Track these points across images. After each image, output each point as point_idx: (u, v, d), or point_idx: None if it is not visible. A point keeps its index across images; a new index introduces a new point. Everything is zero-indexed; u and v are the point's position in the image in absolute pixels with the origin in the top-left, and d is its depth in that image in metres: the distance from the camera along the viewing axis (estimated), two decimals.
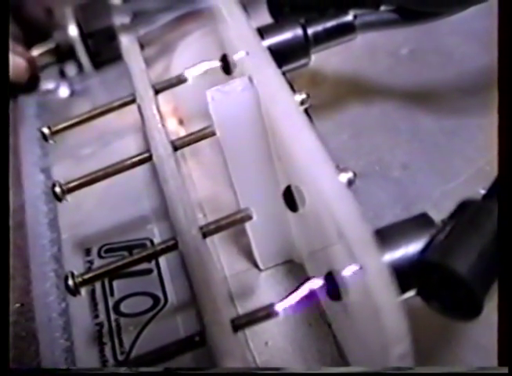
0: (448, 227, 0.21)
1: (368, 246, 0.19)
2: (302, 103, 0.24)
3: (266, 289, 0.29)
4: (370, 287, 0.18)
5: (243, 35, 0.26)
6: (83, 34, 0.40)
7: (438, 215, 0.22)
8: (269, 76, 0.24)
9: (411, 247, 0.20)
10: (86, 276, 0.25)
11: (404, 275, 0.20)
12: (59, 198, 0.28)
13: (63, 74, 0.42)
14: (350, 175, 0.22)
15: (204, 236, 0.24)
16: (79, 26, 0.40)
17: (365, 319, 0.20)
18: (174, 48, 0.37)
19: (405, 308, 0.18)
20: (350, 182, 0.22)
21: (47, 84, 0.41)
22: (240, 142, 0.26)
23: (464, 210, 0.21)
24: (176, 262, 0.30)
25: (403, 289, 0.20)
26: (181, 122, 0.37)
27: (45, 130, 0.30)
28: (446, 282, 0.20)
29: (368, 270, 0.18)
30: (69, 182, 0.28)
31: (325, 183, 0.20)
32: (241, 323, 0.22)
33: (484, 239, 0.20)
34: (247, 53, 0.26)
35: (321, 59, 0.31)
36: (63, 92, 0.41)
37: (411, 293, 0.21)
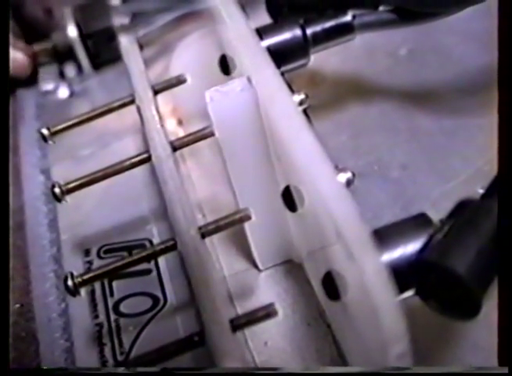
0: (447, 227, 0.21)
1: (366, 246, 0.19)
2: (301, 103, 0.24)
3: (265, 289, 0.29)
4: (369, 287, 0.18)
5: (242, 36, 0.26)
6: (82, 35, 0.40)
7: (437, 214, 0.22)
8: (268, 76, 0.24)
9: (409, 247, 0.20)
10: (85, 277, 0.25)
11: (402, 274, 0.20)
12: (58, 199, 0.28)
13: (62, 75, 0.42)
14: (349, 175, 0.22)
15: (203, 236, 0.24)
16: (78, 26, 0.40)
17: (364, 318, 0.20)
18: (173, 48, 0.38)
19: (404, 307, 0.18)
20: (349, 183, 0.22)
21: (46, 85, 0.41)
22: (239, 142, 0.26)
23: (463, 209, 0.21)
24: (175, 262, 0.30)
25: (401, 289, 0.20)
26: (180, 123, 0.37)
27: (45, 131, 0.30)
28: (444, 281, 0.20)
29: (366, 270, 0.18)
30: (68, 183, 0.28)
31: (323, 183, 0.20)
32: (240, 323, 0.22)
33: (482, 238, 0.20)
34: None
35: (320, 59, 0.31)
36: (63, 92, 0.41)
37: (409, 292, 0.21)
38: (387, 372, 0.20)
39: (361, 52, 0.38)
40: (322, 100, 0.36)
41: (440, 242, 0.20)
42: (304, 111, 0.24)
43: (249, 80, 0.25)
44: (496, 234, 0.20)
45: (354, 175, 0.23)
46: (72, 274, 0.25)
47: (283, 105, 0.23)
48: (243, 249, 0.30)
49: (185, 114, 0.37)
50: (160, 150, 0.27)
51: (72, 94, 0.41)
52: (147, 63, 0.32)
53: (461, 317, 0.20)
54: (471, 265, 0.19)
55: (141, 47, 0.33)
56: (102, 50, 0.40)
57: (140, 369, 0.22)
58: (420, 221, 0.21)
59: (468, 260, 0.20)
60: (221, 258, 0.30)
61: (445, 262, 0.19)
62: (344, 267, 0.20)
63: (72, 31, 0.40)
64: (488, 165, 0.32)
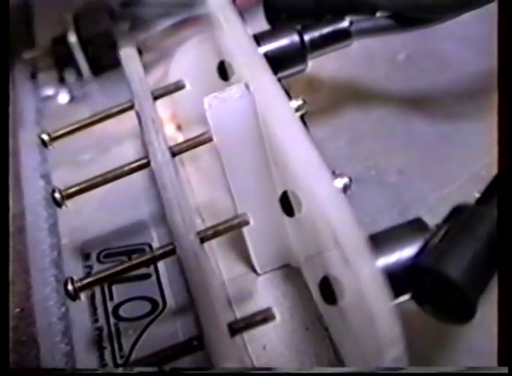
0: (442, 232, 0.21)
1: (362, 251, 0.19)
2: (298, 109, 0.25)
3: (264, 293, 0.29)
4: (364, 292, 0.19)
5: (240, 42, 0.27)
6: (82, 41, 0.40)
7: (435, 219, 0.22)
8: (265, 83, 0.24)
9: (405, 252, 0.21)
10: (85, 281, 0.25)
11: (398, 279, 0.20)
12: (58, 204, 0.28)
13: (62, 80, 0.42)
14: (346, 180, 0.23)
15: (202, 241, 0.24)
16: (78, 32, 0.40)
17: (360, 323, 0.20)
18: (172, 54, 0.38)
19: (400, 312, 0.19)
20: (345, 188, 0.23)
21: (46, 91, 0.41)
22: (237, 148, 0.26)
23: (458, 214, 0.22)
24: (174, 266, 0.30)
25: (397, 293, 0.20)
26: (179, 128, 0.37)
27: (45, 136, 0.30)
28: (439, 286, 0.20)
29: (362, 275, 0.19)
30: (68, 188, 0.28)
31: (320, 189, 0.20)
32: (239, 327, 0.22)
33: (477, 243, 0.20)
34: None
35: (318, 65, 0.31)
36: (63, 98, 0.41)
37: (405, 297, 0.21)
38: (379, 372, 0.20)
39: (359, 57, 0.38)
40: (319, 106, 0.36)
41: (435, 247, 0.20)
42: (302, 117, 0.24)
43: (247, 86, 0.25)
44: (492, 238, 0.21)
45: (351, 180, 0.23)
46: (72, 279, 0.25)
47: (280, 111, 0.23)
48: (242, 254, 0.30)
49: (184, 120, 0.37)
50: (159, 155, 0.27)
51: (72, 99, 0.41)
52: (146, 68, 0.32)
53: (456, 321, 0.21)
54: (466, 270, 0.20)
55: (140, 52, 0.33)
56: (102, 56, 0.40)
57: (137, 369, 0.23)
58: (415, 226, 0.22)
59: (463, 265, 0.20)
60: (219, 262, 0.30)
61: (440, 266, 0.20)
62: (341, 272, 0.20)
63: (72, 37, 0.40)
64: (484, 170, 0.32)
